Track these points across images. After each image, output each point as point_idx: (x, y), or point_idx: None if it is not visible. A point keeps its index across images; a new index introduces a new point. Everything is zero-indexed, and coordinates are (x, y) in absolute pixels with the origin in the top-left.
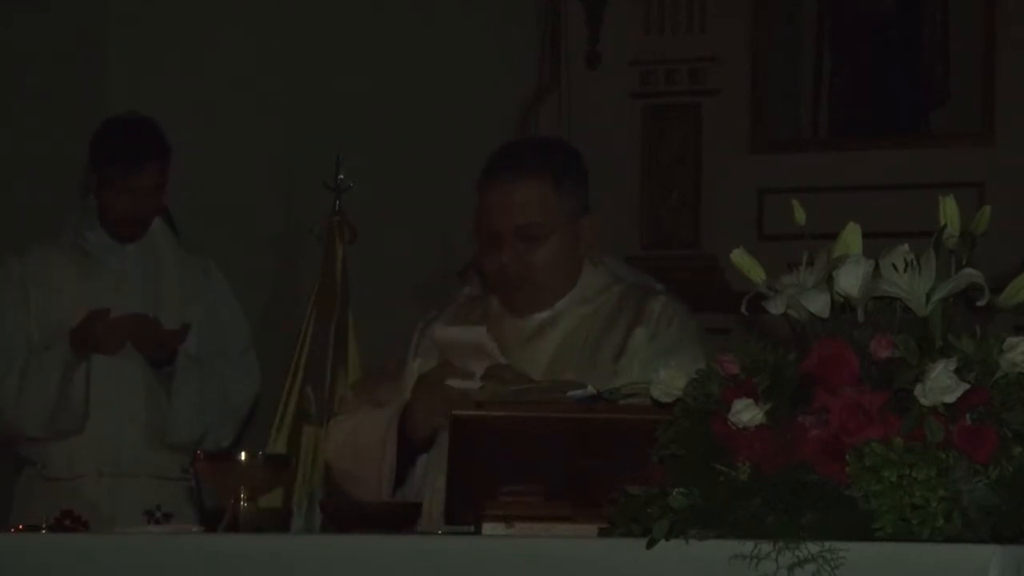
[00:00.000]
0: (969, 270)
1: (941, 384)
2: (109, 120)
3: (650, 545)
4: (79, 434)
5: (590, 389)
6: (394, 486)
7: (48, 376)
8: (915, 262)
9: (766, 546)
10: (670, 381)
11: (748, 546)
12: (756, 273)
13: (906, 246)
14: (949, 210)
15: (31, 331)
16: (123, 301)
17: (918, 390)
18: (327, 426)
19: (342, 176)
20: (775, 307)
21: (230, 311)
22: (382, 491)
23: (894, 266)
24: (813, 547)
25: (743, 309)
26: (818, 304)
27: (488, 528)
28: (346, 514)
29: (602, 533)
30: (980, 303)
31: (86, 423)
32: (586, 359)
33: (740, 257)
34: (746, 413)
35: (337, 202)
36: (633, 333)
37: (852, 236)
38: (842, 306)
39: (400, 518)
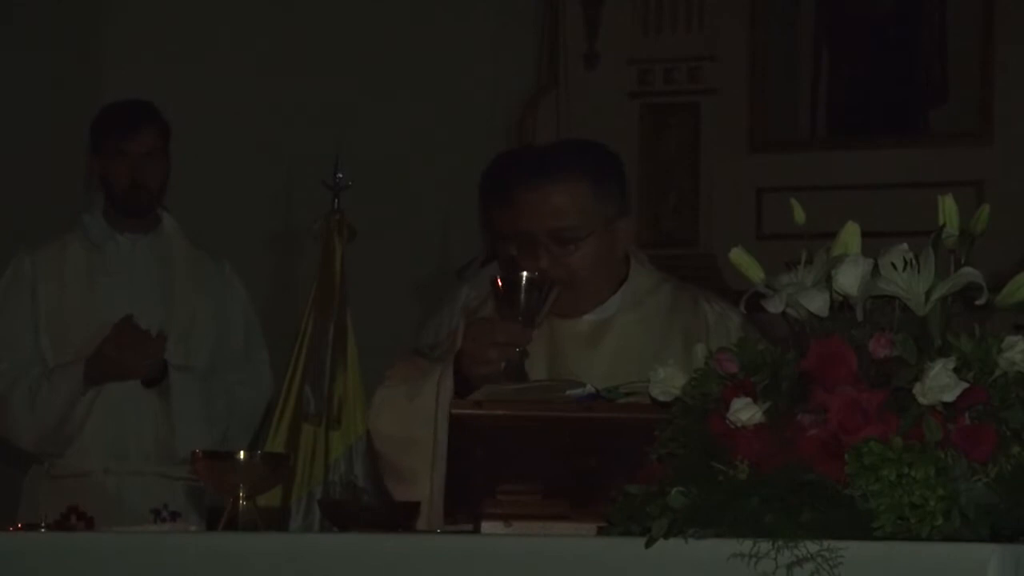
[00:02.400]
0: (968, 269)
1: (940, 383)
2: (106, 104)
3: (649, 544)
4: (60, 458)
5: (589, 388)
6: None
7: (54, 400)
8: (914, 261)
9: (765, 545)
10: (669, 380)
11: (747, 545)
12: (755, 272)
13: (905, 245)
14: (948, 209)
15: (40, 332)
16: (135, 299)
17: (917, 389)
18: (373, 396)
19: (341, 175)
20: (774, 306)
21: (243, 314)
22: (437, 436)
23: (893, 265)
24: (812, 546)
25: (742, 308)
26: (817, 303)
27: (487, 527)
28: (345, 513)
29: (601, 532)
30: (979, 302)
31: (67, 450)
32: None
33: (739, 256)
34: (745, 412)
35: (336, 201)
36: (696, 350)
37: (851, 235)
38: (841, 305)
39: (400, 518)
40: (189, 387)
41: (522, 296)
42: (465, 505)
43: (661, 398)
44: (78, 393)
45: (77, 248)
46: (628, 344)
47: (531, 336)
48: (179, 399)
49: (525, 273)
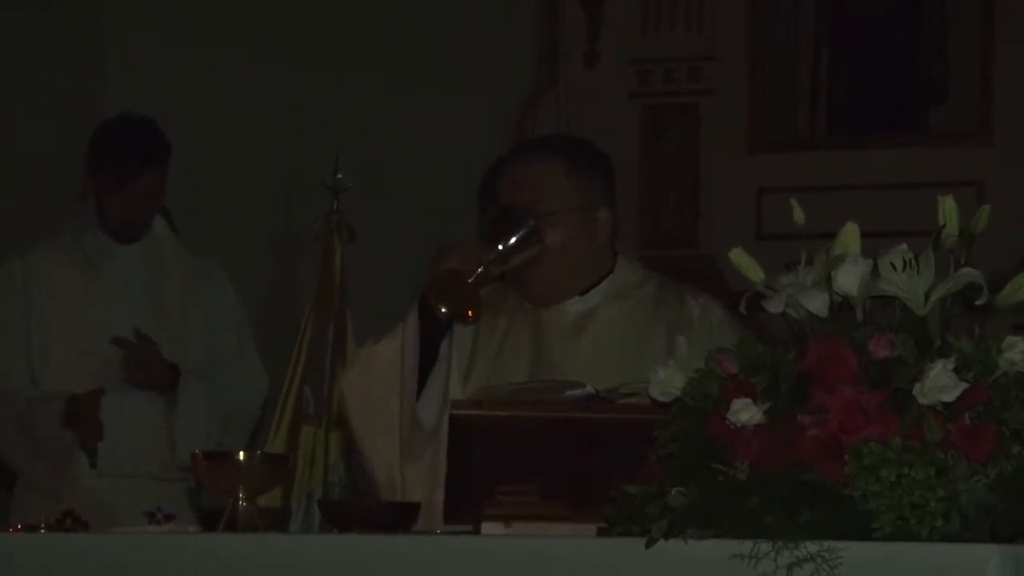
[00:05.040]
0: (968, 269)
1: (940, 383)
2: (107, 122)
3: (648, 545)
4: (62, 473)
5: (588, 388)
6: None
7: (36, 431)
8: (914, 261)
9: (765, 546)
10: (669, 380)
11: (747, 546)
12: (755, 272)
13: (905, 245)
14: (948, 209)
15: (31, 339)
16: (125, 304)
17: (917, 389)
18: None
19: (341, 175)
20: (774, 306)
21: (234, 315)
22: (403, 371)
23: (893, 265)
24: (812, 547)
25: (742, 308)
26: (817, 303)
27: (487, 528)
28: (345, 514)
29: (601, 533)
30: (979, 302)
31: (64, 471)
32: (629, 366)
33: (739, 256)
34: (744, 412)
35: (336, 201)
36: (676, 341)
37: (850, 235)
38: (840, 306)
39: (399, 518)
40: (196, 393)
41: (508, 230)
42: (465, 506)
43: (661, 398)
44: (58, 431)
45: (68, 253)
46: (612, 336)
47: (495, 268)
48: (184, 407)
49: (520, 213)
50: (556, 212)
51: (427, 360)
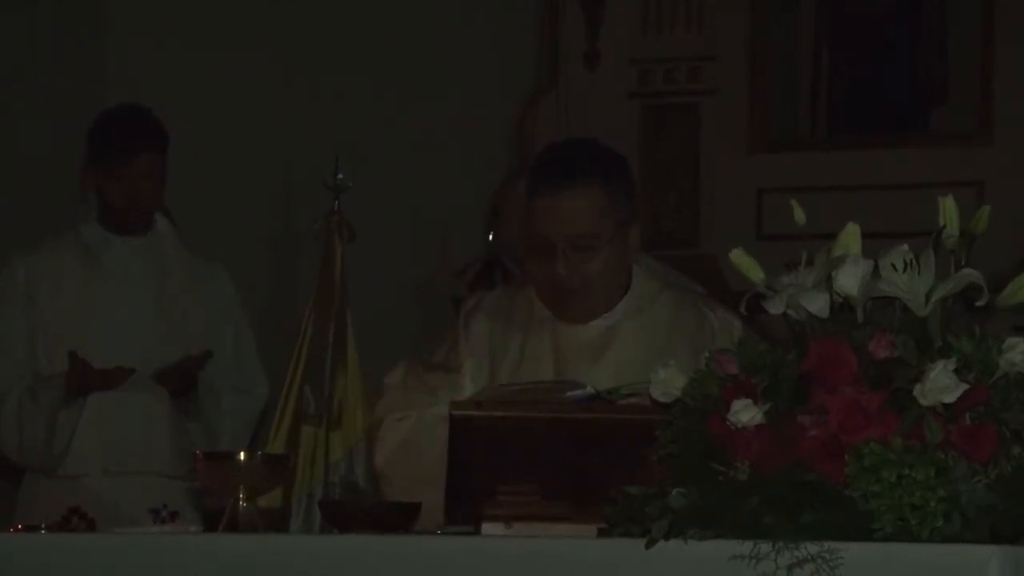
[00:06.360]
0: (968, 270)
1: (940, 384)
2: (104, 111)
3: (649, 545)
4: (49, 475)
5: (590, 389)
6: None
7: (37, 413)
8: (914, 262)
9: (765, 546)
10: (669, 381)
11: (747, 546)
12: (755, 273)
13: (905, 246)
14: (948, 210)
15: (35, 339)
16: (127, 301)
17: (917, 390)
18: (381, 425)
19: (341, 176)
20: (774, 307)
21: (235, 317)
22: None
23: (893, 266)
24: (812, 547)
25: (742, 309)
26: (817, 304)
27: (487, 528)
28: (345, 514)
29: (601, 533)
30: (979, 303)
31: (58, 467)
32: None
33: (739, 257)
34: (745, 413)
35: (336, 202)
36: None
37: (851, 236)
38: (841, 306)
39: (400, 518)
40: (207, 404)
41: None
42: (466, 506)
43: (662, 399)
44: (59, 405)
45: (72, 253)
46: (633, 353)
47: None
48: (200, 415)
49: None
50: (600, 246)
51: None
